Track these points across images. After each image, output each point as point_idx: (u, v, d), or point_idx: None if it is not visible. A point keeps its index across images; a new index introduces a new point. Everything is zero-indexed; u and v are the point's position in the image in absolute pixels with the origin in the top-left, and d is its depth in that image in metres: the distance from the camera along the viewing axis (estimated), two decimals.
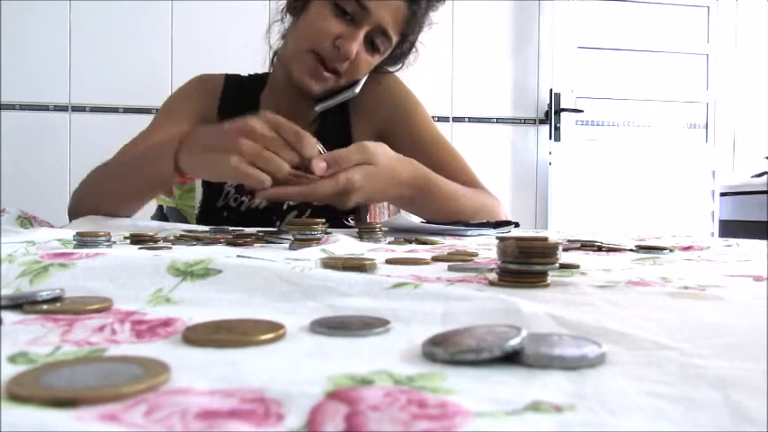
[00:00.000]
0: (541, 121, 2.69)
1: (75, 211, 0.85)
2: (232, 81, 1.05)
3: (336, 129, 1.03)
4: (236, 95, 1.03)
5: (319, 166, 0.69)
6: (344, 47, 0.89)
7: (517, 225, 0.86)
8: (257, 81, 1.07)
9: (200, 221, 1.00)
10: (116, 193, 0.84)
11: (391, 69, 1.05)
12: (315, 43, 0.90)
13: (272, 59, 1.07)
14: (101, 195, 0.85)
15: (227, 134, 0.67)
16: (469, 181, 0.99)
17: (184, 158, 0.72)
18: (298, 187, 0.69)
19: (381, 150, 0.78)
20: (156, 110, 1.04)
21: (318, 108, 1.00)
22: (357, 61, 0.93)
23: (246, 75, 1.09)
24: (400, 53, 1.01)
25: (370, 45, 0.93)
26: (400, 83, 1.07)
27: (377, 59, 0.97)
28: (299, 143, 0.67)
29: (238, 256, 0.39)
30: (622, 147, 2.74)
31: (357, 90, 1.00)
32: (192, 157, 0.71)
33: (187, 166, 0.72)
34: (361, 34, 0.90)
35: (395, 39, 0.95)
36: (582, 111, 2.69)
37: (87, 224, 0.72)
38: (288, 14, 0.98)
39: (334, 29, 0.89)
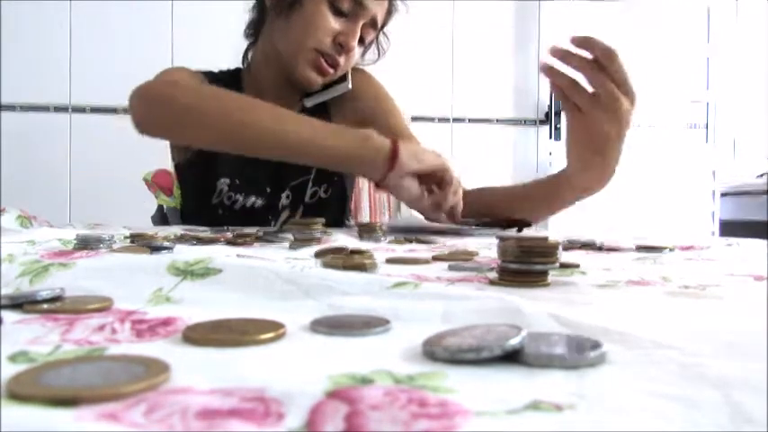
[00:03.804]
0: (542, 122, 2.69)
1: (170, 125, 0.81)
2: (209, 77, 1.04)
3: None
4: None
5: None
6: (347, 43, 0.93)
7: (529, 224, 0.87)
8: (232, 77, 1.07)
9: (187, 218, 1.01)
10: (258, 141, 0.78)
11: (371, 60, 1.08)
12: (317, 41, 0.93)
13: (245, 56, 1.08)
14: (230, 130, 0.78)
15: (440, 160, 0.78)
16: None
17: (400, 168, 0.75)
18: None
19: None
20: None
21: (309, 104, 1.02)
22: (352, 55, 0.96)
23: (218, 71, 1.08)
24: (371, 42, 1.04)
25: (360, 38, 0.96)
26: (372, 79, 1.10)
27: (361, 50, 1.01)
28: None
29: (238, 255, 0.39)
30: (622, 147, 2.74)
31: (350, 85, 1.02)
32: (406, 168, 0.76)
33: (398, 177, 0.75)
34: (359, 29, 0.94)
35: (378, 30, 0.99)
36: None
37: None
38: (273, 13, 0.97)
39: (334, 26, 0.92)
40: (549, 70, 0.72)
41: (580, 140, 0.78)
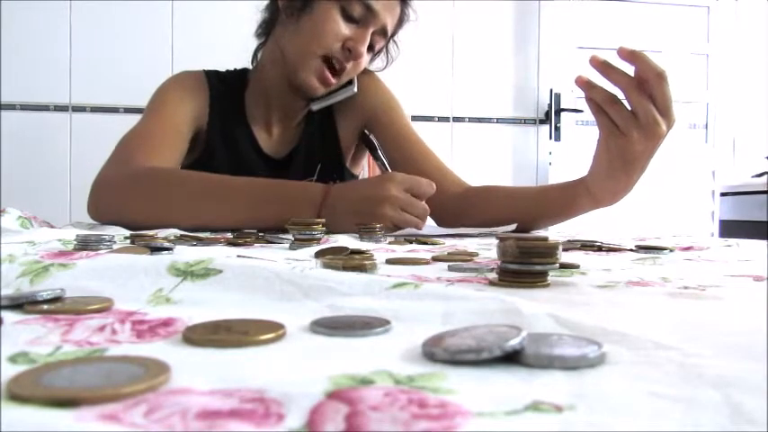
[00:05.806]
0: (541, 121, 2.70)
1: (110, 211, 0.81)
2: (213, 77, 1.05)
3: (322, 126, 1.06)
4: (223, 93, 1.03)
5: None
6: (355, 48, 0.93)
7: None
8: (238, 78, 1.07)
9: None
10: (201, 213, 0.78)
11: (379, 68, 1.08)
12: (326, 46, 0.92)
13: (255, 56, 1.08)
14: (172, 208, 0.78)
15: (378, 187, 0.74)
16: (452, 177, 1.01)
17: (329, 215, 0.72)
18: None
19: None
20: None
21: (315, 107, 1.03)
22: (360, 62, 0.96)
23: (224, 71, 1.09)
24: (380, 49, 1.04)
25: (369, 45, 0.96)
26: (378, 79, 1.10)
27: (370, 57, 1.01)
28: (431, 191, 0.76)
29: (239, 256, 0.39)
30: None
31: (355, 89, 1.02)
32: (339, 215, 0.73)
33: (331, 222, 0.70)
34: (369, 35, 0.93)
35: (388, 39, 1.00)
36: (582, 111, 2.69)
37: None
38: (283, 14, 0.98)
39: (344, 31, 0.92)
40: (585, 84, 0.69)
41: (609, 154, 0.76)
